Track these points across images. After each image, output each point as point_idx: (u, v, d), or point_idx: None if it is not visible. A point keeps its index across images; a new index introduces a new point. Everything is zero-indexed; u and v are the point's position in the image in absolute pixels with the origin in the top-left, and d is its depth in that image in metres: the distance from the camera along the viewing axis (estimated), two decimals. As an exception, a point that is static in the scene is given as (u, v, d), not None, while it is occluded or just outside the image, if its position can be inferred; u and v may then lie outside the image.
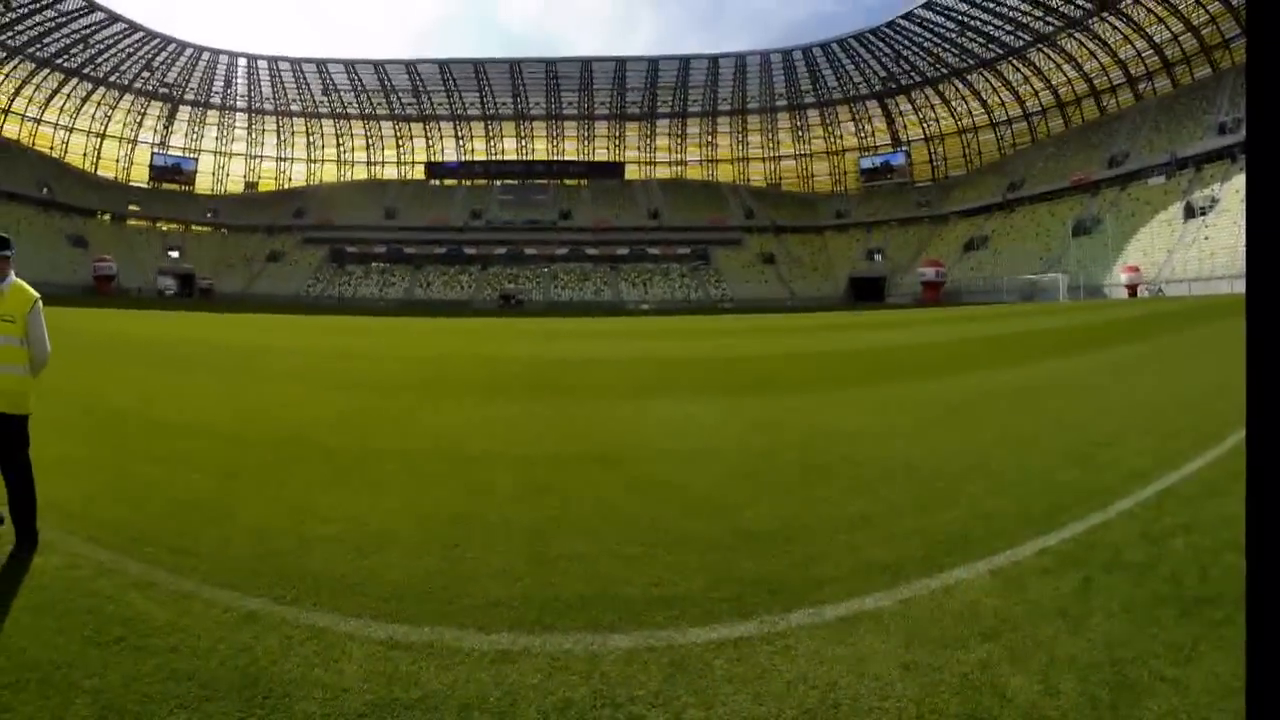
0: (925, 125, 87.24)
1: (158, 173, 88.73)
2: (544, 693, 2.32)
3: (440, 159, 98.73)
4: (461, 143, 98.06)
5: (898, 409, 8.04)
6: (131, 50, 78.28)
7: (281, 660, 2.49)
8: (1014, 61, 74.81)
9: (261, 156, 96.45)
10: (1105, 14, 64.12)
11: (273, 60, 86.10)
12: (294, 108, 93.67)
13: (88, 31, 72.39)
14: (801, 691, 2.31)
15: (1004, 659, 2.48)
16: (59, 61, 75.19)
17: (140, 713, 2.16)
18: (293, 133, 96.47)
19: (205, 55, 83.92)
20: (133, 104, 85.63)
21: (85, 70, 78.20)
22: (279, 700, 2.24)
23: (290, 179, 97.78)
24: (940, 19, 71.69)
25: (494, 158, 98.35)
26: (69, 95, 79.92)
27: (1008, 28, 70.20)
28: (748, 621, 2.82)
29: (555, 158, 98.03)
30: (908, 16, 72.78)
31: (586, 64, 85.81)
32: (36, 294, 3.64)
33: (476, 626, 2.78)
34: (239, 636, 2.65)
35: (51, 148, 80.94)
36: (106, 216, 78.50)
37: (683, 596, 3.07)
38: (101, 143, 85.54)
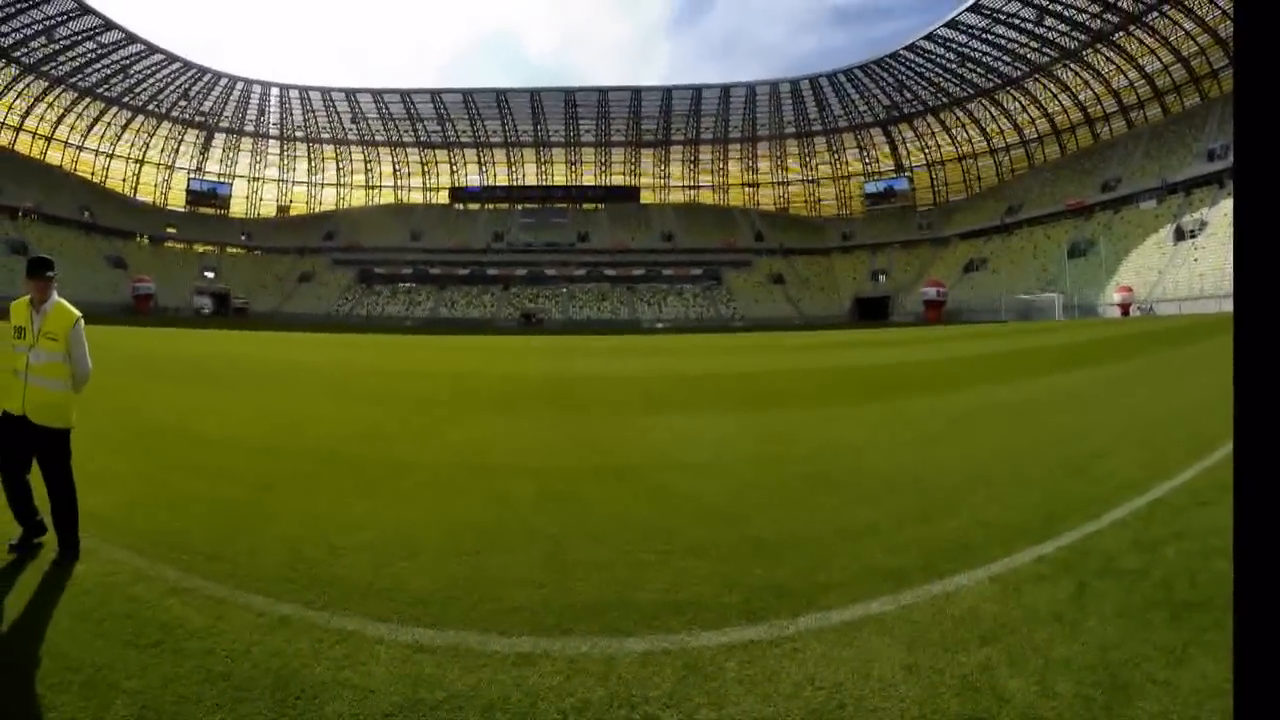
0: (927, 151, 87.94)
1: (194, 197, 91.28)
2: (563, 694, 2.38)
3: (464, 184, 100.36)
4: (484, 168, 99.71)
5: (901, 422, 8.07)
6: (169, 80, 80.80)
7: (312, 663, 2.55)
8: (1012, 91, 75.51)
9: (293, 181, 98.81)
10: (1099, 45, 64.62)
11: (304, 90, 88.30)
12: (324, 135, 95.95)
13: (127, 62, 74.85)
14: (809, 693, 2.36)
15: (1002, 661, 2.52)
16: (100, 90, 77.76)
17: (177, 713, 2.22)
18: (323, 159, 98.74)
19: (240, 85, 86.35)
20: (170, 131, 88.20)
21: (125, 99, 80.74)
22: (310, 701, 2.30)
23: (320, 203, 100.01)
24: (941, 50, 72.42)
25: (515, 183, 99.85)
26: (109, 123, 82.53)
27: (1006, 59, 70.82)
28: (757, 625, 2.88)
29: (574, 183, 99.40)
30: (910, 48, 73.65)
31: (604, 93, 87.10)
32: (78, 313, 3.74)
33: (498, 631, 2.84)
34: (272, 640, 2.72)
35: (92, 173, 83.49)
36: (145, 239, 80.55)
37: (695, 601, 3.12)
38: (140, 168, 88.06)
